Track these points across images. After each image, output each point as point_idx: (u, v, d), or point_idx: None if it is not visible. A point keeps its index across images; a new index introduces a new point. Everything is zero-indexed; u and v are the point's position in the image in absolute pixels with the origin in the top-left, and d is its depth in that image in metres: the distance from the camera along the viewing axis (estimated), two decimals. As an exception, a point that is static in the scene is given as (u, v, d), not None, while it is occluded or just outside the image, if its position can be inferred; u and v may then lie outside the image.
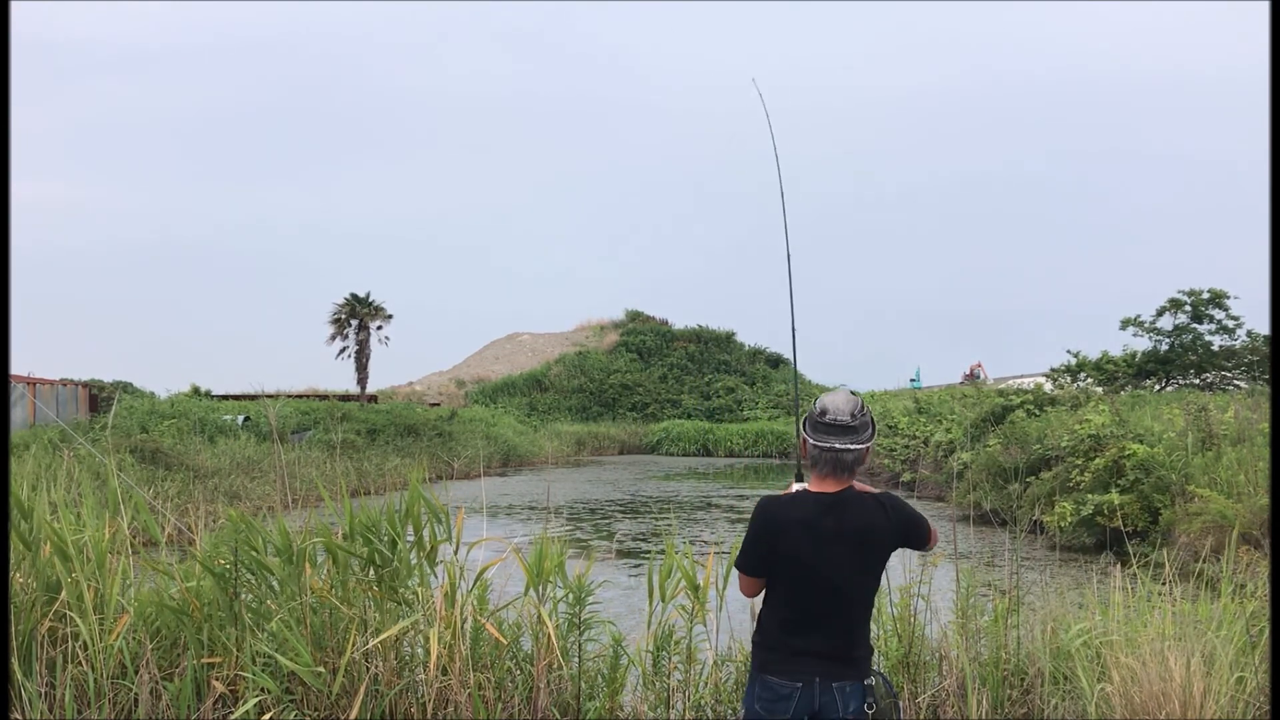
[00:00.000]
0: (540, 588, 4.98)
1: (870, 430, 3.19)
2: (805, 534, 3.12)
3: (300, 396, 39.49)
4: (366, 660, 4.75)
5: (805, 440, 3.23)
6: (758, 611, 3.37)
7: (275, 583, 4.86)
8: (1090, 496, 14.92)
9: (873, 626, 5.20)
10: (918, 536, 3.28)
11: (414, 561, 4.86)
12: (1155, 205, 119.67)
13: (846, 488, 3.20)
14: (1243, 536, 10.98)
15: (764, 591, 3.30)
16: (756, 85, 4.41)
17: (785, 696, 3.13)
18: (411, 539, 4.86)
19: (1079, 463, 16.17)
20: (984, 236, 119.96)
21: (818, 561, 3.12)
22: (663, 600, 5.00)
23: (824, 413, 3.18)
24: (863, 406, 3.20)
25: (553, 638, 4.81)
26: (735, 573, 3.37)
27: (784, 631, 3.19)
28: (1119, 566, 5.59)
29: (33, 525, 4.91)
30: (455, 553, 4.91)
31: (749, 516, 3.29)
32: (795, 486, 3.37)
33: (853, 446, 3.14)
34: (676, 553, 5.13)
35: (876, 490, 3.30)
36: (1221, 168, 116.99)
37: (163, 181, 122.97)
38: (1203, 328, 33.33)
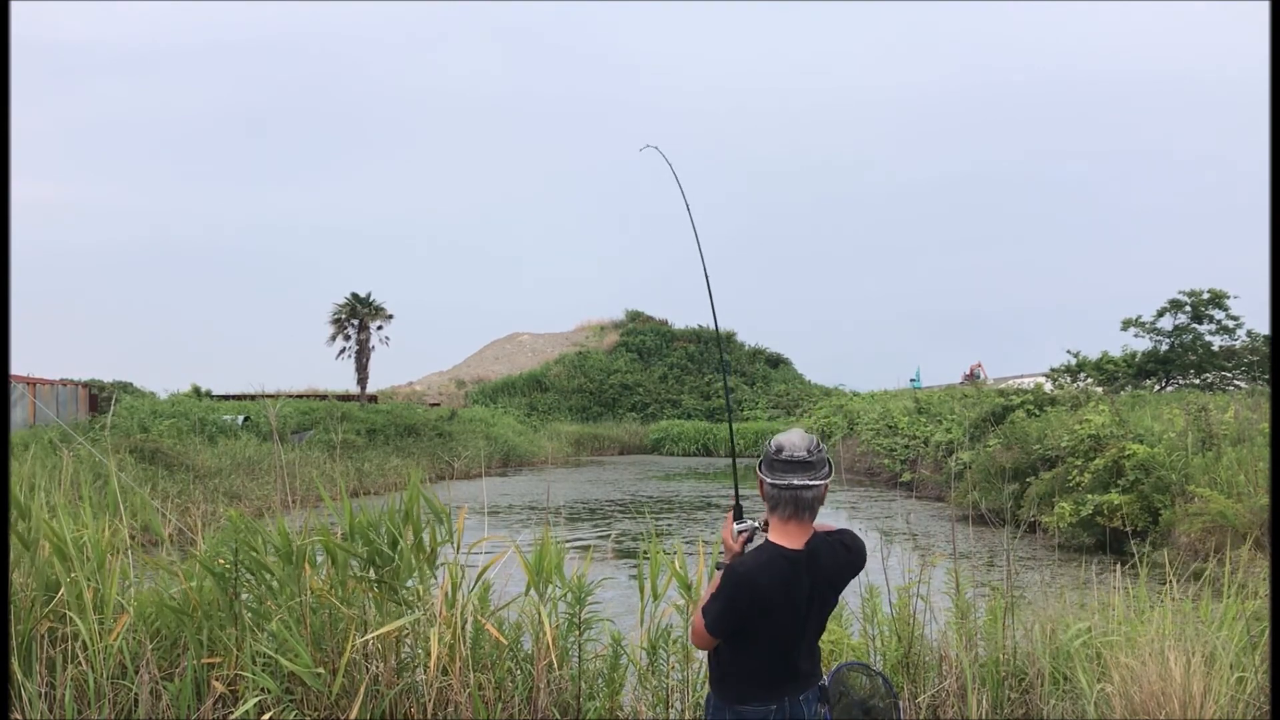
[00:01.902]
0: (540, 588, 4.98)
1: (828, 469, 3.12)
2: (783, 597, 3.09)
3: (300, 396, 39.50)
4: (366, 660, 4.75)
5: (762, 481, 3.14)
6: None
7: (275, 583, 4.86)
8: (1090, 496, 14.91)
9: (870, 626, 5.24)
10: (862, 563, 3.30)
11: (414, 562, 4.86)
12: (1155, 205, 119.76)
13: (811, 536, 3.14)
14: (1243, 536, 10.98)
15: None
16: (660, 151, 4.47)
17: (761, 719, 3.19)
18: (411, 540, 4.86)
19: (1079, 463, 16.16)
20: (985, 236, 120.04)
21: (794, 617, 3.13)
22: (654, 597, 5.02)
23: (780, 450, 3.10)
24: (818, 444, 3.14)
25: (551, 639, 4.81)
26: (695, 625, 3.23)
27: (754, 663, 3.19)
28: (1119, 567, 5.59)
29: (30, 526, 4.92)
30: (456, 553, 4.91)
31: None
32: (736, 526, 3.26)
33: (811, 483, 3.07)
34: (670, 553, 5.15)
35: (833, 529, 3.25)
36: (1221, 168, 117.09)
37: (162, 182, 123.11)
38: (1203, 328, 33.31)
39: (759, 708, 3.17)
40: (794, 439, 3.14)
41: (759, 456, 3.20)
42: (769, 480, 3.11)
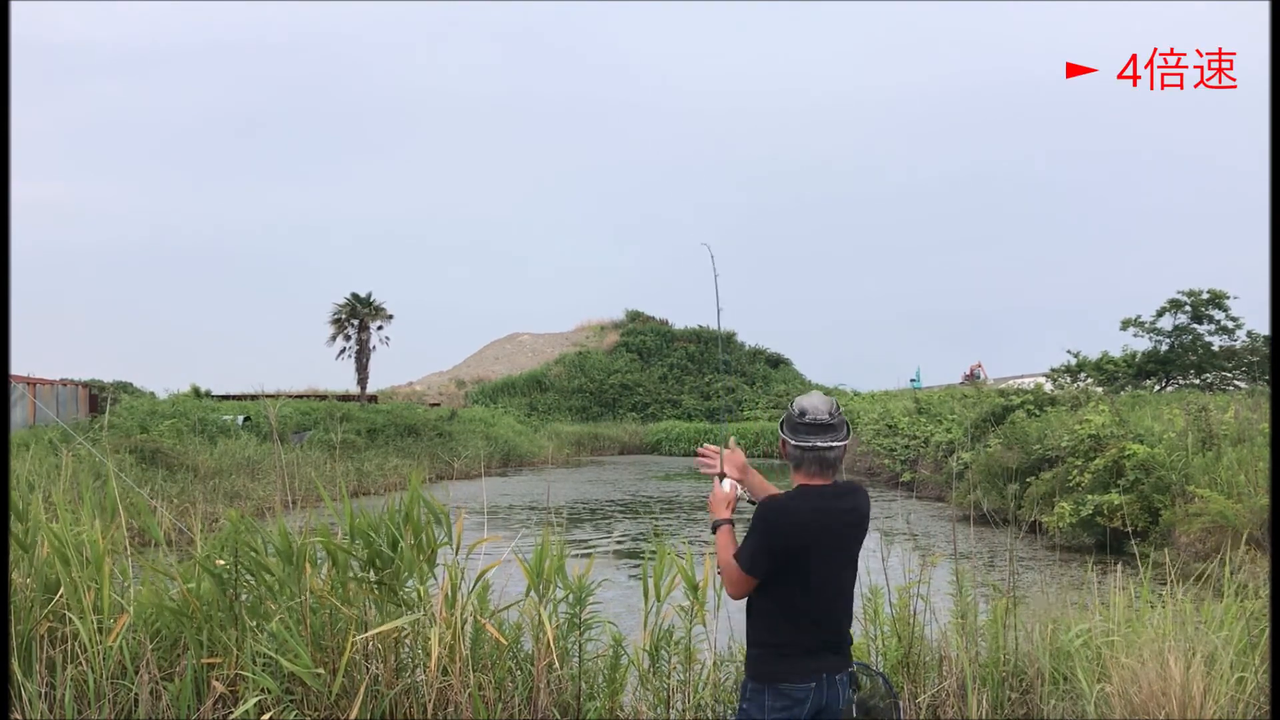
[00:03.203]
0: (540, 588, 4.98)
1: (847, 429, 3.30)
2: (820, 523, 3.21)
3: (300, 396, 39.48)
4: (366, 660, 4.75)
5: (785, 442, 3.29)
6: (749, 622, 3.38)
7: (275, 583, 4.86)
8: (1090, 497, 14.90)
9: (870, 626, 5.24)
10: (867, 514, 3.43)
11: (414, 561, 4.85)
12: (1156, 205, 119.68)
13: (835, 483, 3.31)
14: (1243, 537, 10.97)
15: (760, 597, 3.29)
16: (710, 250, 4.53)
17: (801, 700, 3.20)
18: (411, 540, 4.85)
19: (1079, 463, 16.15)
20: (984, 236, 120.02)
21: (821, 552, 3.22)
22: (658, 599, 5.01)
23: (803, 413, 3.25)
24: (838, 406, 3.31)
25: (551, 639, 4.81)
26: (728, 574, 3.32)
27: (794, 630, 3.24)
28: (1119, 567, 5.59)
29: (27, 527, 4.92)
30: (455, 553, 4.91)
31: (749, 519, 3.31)
32: (725, 484, 3.44)
33: (835, 444, 3.24)
34: (678, 554, 5.14)
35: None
36: (1222, 168, 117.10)
37: (162, 182, 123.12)
38: (1202, 328, 33.33)
39: (800, 686, 3.19)
40: (816, 402, 3.29)
41: (780, 420, 3.36)
42: (793, 441, 3.26)
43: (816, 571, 3.22)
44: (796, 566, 3.21)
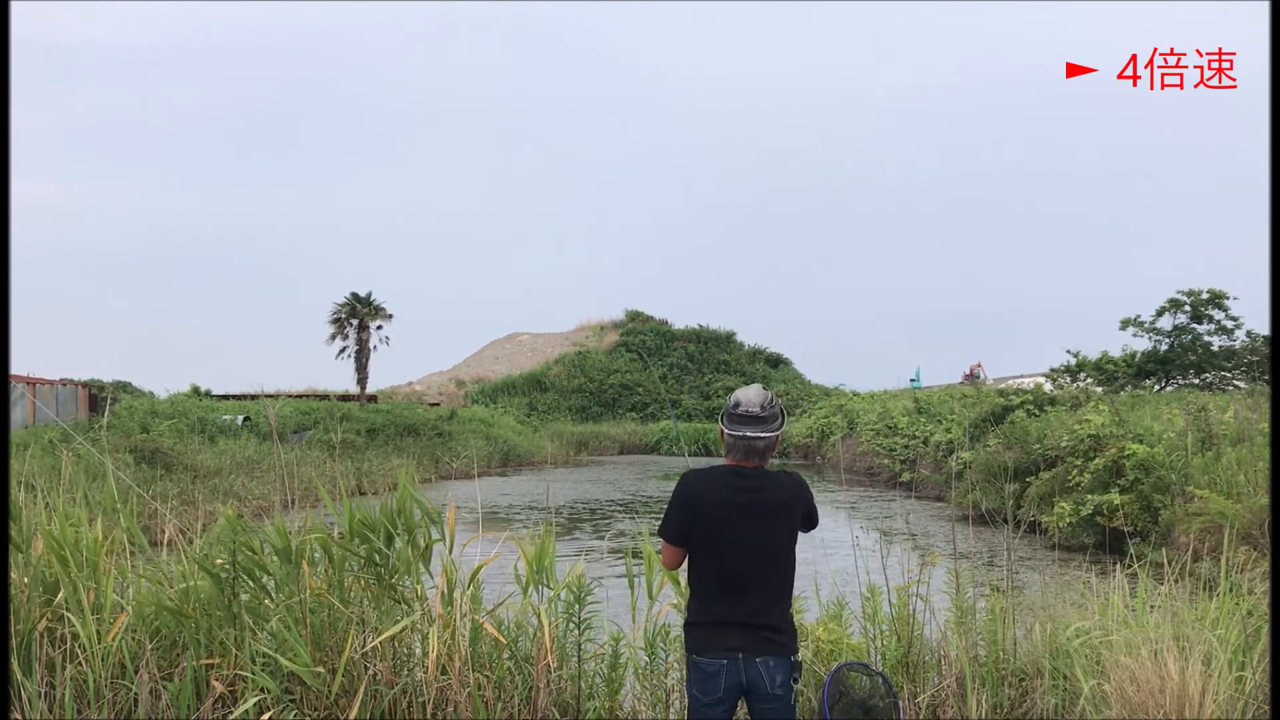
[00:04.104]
0: (539, 587, 4.98)
1: (779, 420, 3.54)
2: (723, 502, 3.42)
3: (300, 396, 39.52)
4: (365, 660, 4.75)
5: (722, 431, 3.55)
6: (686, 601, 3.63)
7: (272, 583, 4.86)
8: (1090, 496, 14.90)
9: (869, 626, 5.23)
10: (810, 515, 3.58)
11: (410, 558, 4.85)
12: (1156, 205, 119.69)
13: (758, 467, 3.53)
14: (1242, 536, 10.98)
15: (689, 574, 3.55)
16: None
17: (714, 674, 3.32)
18: (406, 538, 4.85)
19: (1079, 463, 16.15)
20: (984, 236, 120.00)
21: (734, 527, 3.41)
22: (649, 596, 5.01)
23: (737, 405, 3.54)
24: (772, 399, 3.57)
25: (548, 638, 4.81)
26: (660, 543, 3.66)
27: (708, 599, 3.43)
28: (1118, 566, 5.59)
29: (21, 527, 4.92)
30: (449, 551, 4.91)
31: None
32: None
33: (762, 435, 3.50)
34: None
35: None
36: (1222, 167, 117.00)
37: (162, 182, 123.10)
38: (1202, 328, 33.32)
39: (712, 659, 3.34)
40: (750, 395, 3.58)
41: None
42: (727, 430, 3.55)
43: (726, 546, 3.40)
44: (705, 537, 3.43)
